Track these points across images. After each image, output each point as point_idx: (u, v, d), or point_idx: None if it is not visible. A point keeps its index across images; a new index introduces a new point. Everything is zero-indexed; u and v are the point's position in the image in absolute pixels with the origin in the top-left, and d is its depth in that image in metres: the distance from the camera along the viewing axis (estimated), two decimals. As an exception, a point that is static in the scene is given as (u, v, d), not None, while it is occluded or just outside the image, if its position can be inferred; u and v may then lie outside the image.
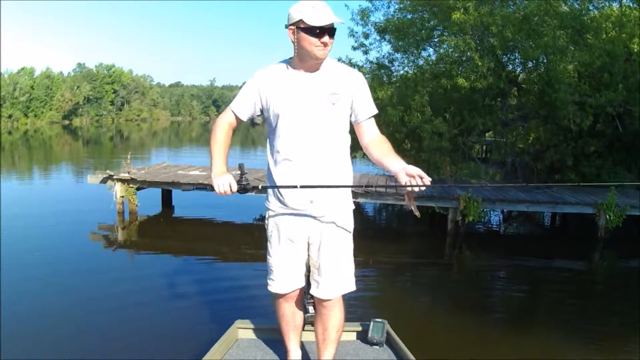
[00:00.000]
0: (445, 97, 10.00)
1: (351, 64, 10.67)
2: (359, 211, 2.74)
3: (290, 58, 2.10)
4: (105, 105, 71.93)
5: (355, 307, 4.24)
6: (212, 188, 2.04)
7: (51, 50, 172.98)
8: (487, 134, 11.20)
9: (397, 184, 1.99)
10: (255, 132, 40.60)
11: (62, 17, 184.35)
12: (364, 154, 2.20)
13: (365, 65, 11.27)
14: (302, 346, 2.54)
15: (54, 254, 6.27)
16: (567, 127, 8.79)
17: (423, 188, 1.87)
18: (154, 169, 9.43)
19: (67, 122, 61.14)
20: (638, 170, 9.33)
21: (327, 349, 2.32)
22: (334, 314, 2.27)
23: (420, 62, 10.86)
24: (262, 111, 2.15)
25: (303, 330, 2.48)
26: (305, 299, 2.39)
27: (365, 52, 11.20)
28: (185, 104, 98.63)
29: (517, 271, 6.41)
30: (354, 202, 2.29)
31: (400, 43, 10.55)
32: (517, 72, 10.42)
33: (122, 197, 8.37)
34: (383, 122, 8.62)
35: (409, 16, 10.63)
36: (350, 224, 2.23)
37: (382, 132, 2.19)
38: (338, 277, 2.21)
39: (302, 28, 1.94)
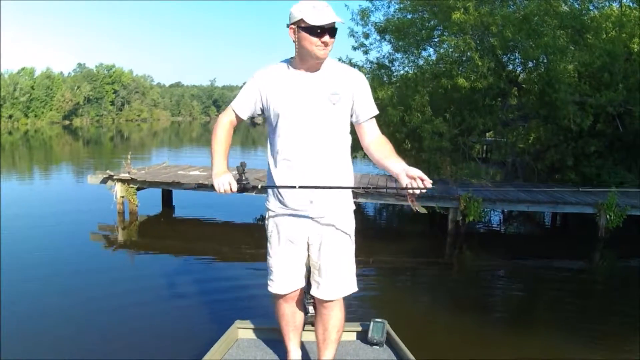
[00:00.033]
0: (445, 97, 10.00)
1: (351, 64, 10.66)
2: (359, 211, 2.74)
3: (292, 58, 2.10)
4: (105, 105, 71.97)
5: (355, 307, 4.23)
6: (213, 187, 2.05)
7: (51, 50, 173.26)
8: (487, 134, 11.19)
9: (397, 184, 1.99)
10: (256, 132, 40.64)
11: (62, 17, 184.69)
12: (365, 153, 2.20)
13: (365, 65, 11.27)
14: (302, 346, 2.54)
15: (54, 254, 6.27)
16: (568, 127, 8.78)
17: (424, 190, 1.86)
18: (154, 169, 9.43)
19: (67, 122, 61.16)
20: (638, 170, 9.32)
21: (327, 349, 2.32)
22: (335, 314, 2.27)
23: (421, 62, 10.87)
24: (262, 110, 2.15)
25: (303, 330, 2.48)
26: (305, 299, 2.38)
27: (366, 52, 11.21)
28: (186, 104, 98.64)
29: (517, 271, 6.41)
30: (355, 202, 2.28)
31: (400, 43, 10.55)
32: (518, 72, 10.42)
33: (122, 197, 8.37)
34: (383, 122, 8.61)
35: (409, 16, 10.62)
36: (350, 225, 2.22)
37: (383, 132, 2.19)
38: (339, 278, 2.21)
39: (302, 27, 1.94)
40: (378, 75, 11.11)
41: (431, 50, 10.93)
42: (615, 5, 9.70)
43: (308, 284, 2.29)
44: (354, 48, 11.15)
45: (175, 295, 4.89)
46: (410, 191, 1.88)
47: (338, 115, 2.09)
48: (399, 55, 11.05)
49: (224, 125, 2.17)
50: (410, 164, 1.94)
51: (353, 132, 2.18)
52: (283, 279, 2.24)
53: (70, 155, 23.40)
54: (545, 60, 9.04)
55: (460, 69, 9.89)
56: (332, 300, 2.23)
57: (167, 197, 9.33)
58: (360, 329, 2.80)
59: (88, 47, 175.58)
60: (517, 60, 10.18)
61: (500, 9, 9.21)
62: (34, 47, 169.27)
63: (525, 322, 4.61)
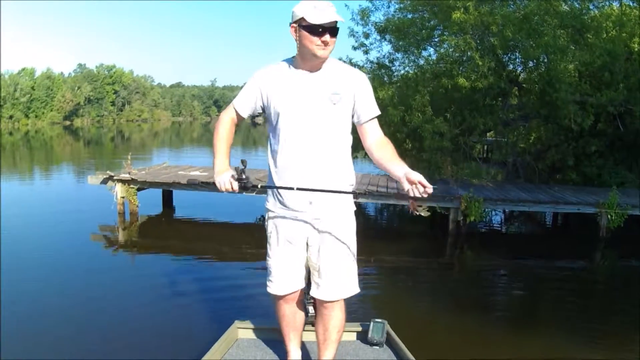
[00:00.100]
0: (446, 97, 9.99)
1: (352, 64, 10.66)
2: (360, 211, 2.73)
3: (293, 57, 2.10)
4: (106, 105, 71.97)
5: (356, 307, 4.22)
6: (214, 185, 2.05)
7: (51, 50, 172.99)
8: (488, 134, 11.19)
9: (398, 186, 1.98)
10: (257, 133, 40.66)
11: (62, 17, 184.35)
12: (366, 153, 2.19)
13: (365, 65, 11.28)
14: (303, 346, 2.53)
15: (54, 254, 6.27)
16: (568, 126, 8.78)
17: (425, 195, 1.85)
18: (155, 170, 9.42)
19: (68, 122, 61.15)
20: (639, 170, 9.31)
21: (327, 349, 2.31)
22: (335, 315, 2.26)
23: (421, 61, 10.86)
24: (263, 109, 2.15)
25: (303, 330, 2.47)
26: (305, 299, 2.38)
27: (366, 52, 11.21)
28: (186, 104, 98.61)
29: (518, 271, 6.40)
30: (355, 203, 2.27)
31: (400, 43, 10.55)
32: (518, 71, 10.42)
33: (123, 197, 8.36)
34: (384, 122, 8.59)
35: (409, 16, 10.62)
36: (350, 227, 2.21)
37: (384, 132, 2.18)
38: (339, 280, 2.20)
39: (303, 26, 1.94)
40: (378, 75, 11.11)
41: (431, 50, 10.94)
42: (615, 5, 9.70)
43: (308, 285, 2.28)
44: (354, 48, 11.17)
45: (175, 295, 4.89)
46: (412, 196, 1.88)
47: (338, 115, 2.08)
48: (399, 55, 11.06)
49: (225, 123, 2.17)
50: (410, 163, 1.93)
51: (354, 132, 2.17)
52: (282, 280, 2.23)
53: (70, 156, 23.40)
54: (545, 60, 9.04)
55: (461, 68, 9.88)
56: (332, 301, 2.22)
57: (167, 198, 9.32)
58: (360, 329, 2.80)
59: (88, 47, 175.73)
60: (517, 60, 10.18)
61: (501, 8, 9.20)
62: (34, 48, 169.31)
63: (526, 321, 4.61)
